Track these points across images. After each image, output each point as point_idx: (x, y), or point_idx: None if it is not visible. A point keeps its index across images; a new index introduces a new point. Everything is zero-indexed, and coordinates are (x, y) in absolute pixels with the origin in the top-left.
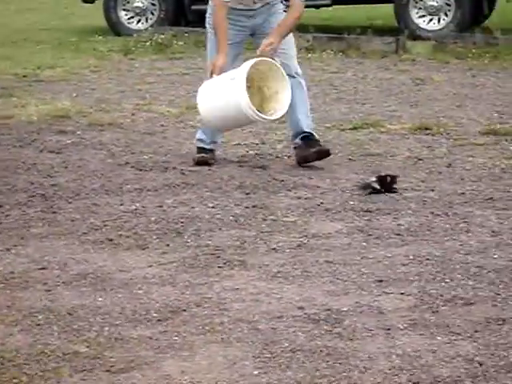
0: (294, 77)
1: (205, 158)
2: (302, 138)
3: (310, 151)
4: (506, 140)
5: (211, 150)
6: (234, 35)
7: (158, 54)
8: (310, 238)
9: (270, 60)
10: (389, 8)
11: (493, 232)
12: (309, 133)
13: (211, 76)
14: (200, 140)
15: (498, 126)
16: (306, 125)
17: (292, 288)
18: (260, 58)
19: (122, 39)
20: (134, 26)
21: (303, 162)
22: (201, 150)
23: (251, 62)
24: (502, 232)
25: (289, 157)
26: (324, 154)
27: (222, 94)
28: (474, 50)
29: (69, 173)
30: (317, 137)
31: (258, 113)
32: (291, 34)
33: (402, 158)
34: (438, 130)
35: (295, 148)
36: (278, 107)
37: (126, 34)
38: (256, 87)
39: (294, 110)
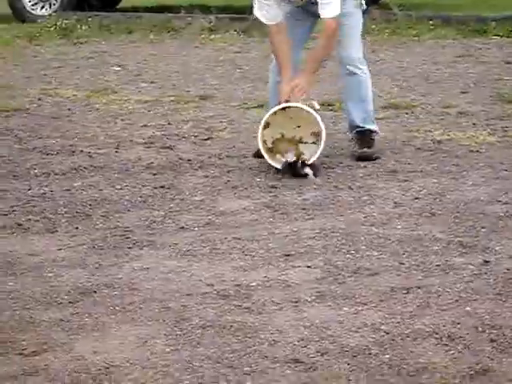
0: (347, 69)
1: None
2: (356, 133)
3: (357, 152)
4: (407, 113)
5: None
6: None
7: (63, 39)
8: (217, 215)
9: (299, 106)
10: None
11: (395, 203)
12: (362, 127)
13: (279, 102)
14: None
15: (398, 99)
16: (360, 119)
17: (201, 265)
18: (287, 105)
19: (26, 26)
20: (38, 12)
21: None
22: None
23: (277, 107)
24: (404, 203)
25: (195, 136)
26: (364, 159)
27: None
28: (373, 26)
29: None
30: (373, 132)
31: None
32: (356, 20)
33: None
34: (340, 105)
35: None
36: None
37: (31, 21)
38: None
39: (347, 102)
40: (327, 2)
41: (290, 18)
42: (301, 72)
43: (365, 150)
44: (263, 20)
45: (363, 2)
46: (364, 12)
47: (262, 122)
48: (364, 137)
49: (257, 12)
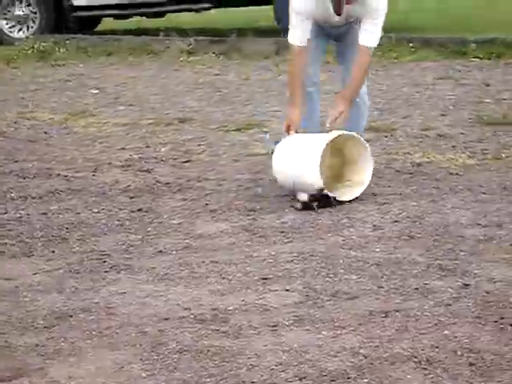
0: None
1: None
2: None
3: None
4: (386, 136)
5: None
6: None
7: (41, 61)
8: (196, 239)
9: (347, 133)
10: (268, 10)
11: (374, 226)
12: None
13: (288, 131)
14: None
15: (379, 122)
16: None
17: (179, 289)
18: (336, 134)
19: (3, 48)
20: (15, 34)
21: None
22: None
23: (326, 139)
24: (383, 226)
25: (174, 159)
26: None
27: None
28: None
29: None
30: None
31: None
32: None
33: None
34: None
35: None
36: (357, 179)
37: (8, 43)
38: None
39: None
40: (372, 31)
41: (313, 39)
42: (340, 98)
43: None
44: (291, 39)
45: None
46: None
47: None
48: None
49: (290, 30)
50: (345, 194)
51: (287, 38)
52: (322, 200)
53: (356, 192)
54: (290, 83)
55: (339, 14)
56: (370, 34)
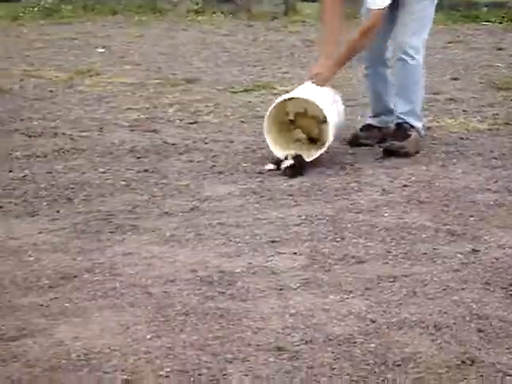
0: (398, 55)
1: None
2: (395, 125)
3: (386, 144)
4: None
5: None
6: None
7: (46, 19)
8: (202, 201)
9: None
10: None
11: (383, 191)
12: (402, 119)
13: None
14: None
15: None
16: (403, 110)
17: (185, 251)
18: (290, 97)
19: (9, 5)
20: None
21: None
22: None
23: (284, 96)
24: (392, 190)
25: (181, 120)
26: (389, 152)
27: None
28: None
29: None
30: (413, 127)
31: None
32: (423, 9)
33: None
34: None
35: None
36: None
37: (14, 1)
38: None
39: (394, 92)
40: None
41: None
42: (327, 60)
43: (393, 142)
44: None
45: None
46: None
47: (287, 95)
48: (400, 130)
49: None
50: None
51: None
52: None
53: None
54: (323, 32)
55: None
56: None
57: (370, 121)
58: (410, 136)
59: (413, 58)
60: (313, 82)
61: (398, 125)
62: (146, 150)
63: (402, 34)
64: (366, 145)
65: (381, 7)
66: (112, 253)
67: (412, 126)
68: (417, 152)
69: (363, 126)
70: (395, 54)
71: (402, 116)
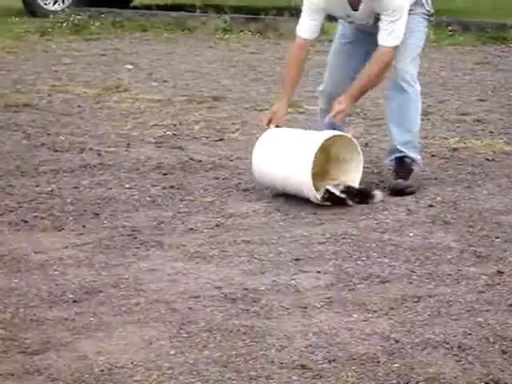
0: (398, 84)
1: None
2: (394, 159)
3: (391, 183)
4: (423, 120)
5: None
6: (351, 34)
7: (75, 35)
8: (227, 217)
9: (343, 135)
10: None
11: (408, 210)
12: (402, 152)
13: (267, 124)
14: None
15: None
16: (402, 142)
17: (209, 268)
18: (330, 136)
19: (38, 20)
20: (50, 6)
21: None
22: None
23: (320, 138)
24: (418, 211)
25: (207, 137)
26: (397, 192)
27: (281, 164)
28: None
29: None
30: (414, 161)
31: (318, 198)
32: (419, 35)
33: None
34: (354, 110)
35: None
36: (346, 180)
37: (43, 15)
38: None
39: (389, 122)
40: (390, 30)
41: (348, 44)
42: (343, 96)
43: (399, 181)
44: (298, 30)
45: (430, 8)
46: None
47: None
48: (402, 165)
49: (300, 20)
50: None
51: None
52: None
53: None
54: (283, 75)
55: (356, 10)
56: (387, 33)
57: None
58: (413, 171)
59: (412, 85)
60: (333, 118)
61: (400, 160)
62: (171, 167)
63: (400, 61)
64: None
65: (395, 45)
66: (137, 268)
67: (413, 160)
68: (419, 186)
69: None
70: (393, 81)
71: (401, 149)
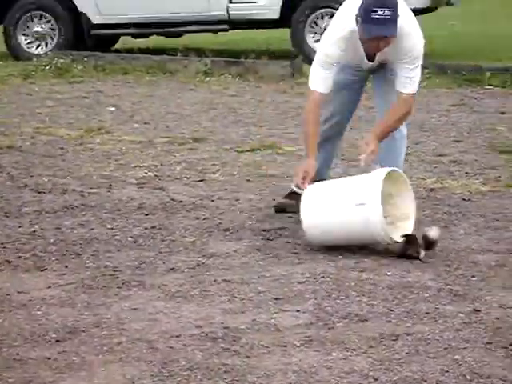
0: None
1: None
2: None
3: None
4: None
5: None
6: (347, 80)
7: (58, 78)
8: (208, 257)
9: (399, 173)
10: (283, 33)
11: (386, 250)
12: None
13: (302, 183)
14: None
15: None
16: None
17: (190, 307)
18: (387, 172)
19: (21, 63)
20: (33, 50)
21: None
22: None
23: (379, 181)
24: (395, 250)
25: (188, 178)
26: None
27: (343, 217)
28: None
29: None
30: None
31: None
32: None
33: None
34: None
35: None
36: (398, 214)
37: (26, 59)
38: None
39: (375, 162)
40: (411, 77)
41: (347, 80)
42: (369, 138)
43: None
44: (314, 85)
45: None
46: None
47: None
48: None
49: (313, 74)
50: (396, 232)
51: (302, 62)
52: None
53: (407, 227)
54: (306, 132)
55: (372, 61)
56: (408, 80)
57: (295, 188)
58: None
59: (401, 130)
60: (367, 160)
61: None
62: (153, 207)
63: (391, 105)
64: (291, 212)
65: (415, 91)
66: (118, 308)
67: None
68: None
69: (288, 194)
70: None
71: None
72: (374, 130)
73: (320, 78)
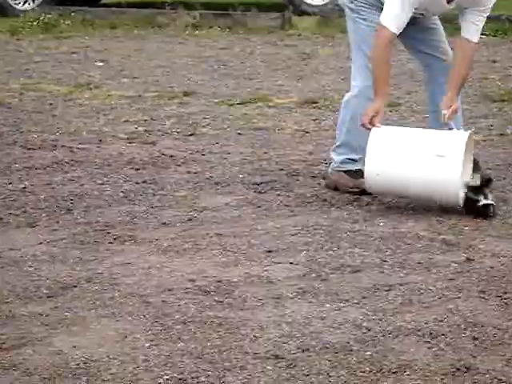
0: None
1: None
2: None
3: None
4: (391, 111)
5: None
6: None
7: (46, 33)
8: (199, 211)
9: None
10: None
11: (378, 201)
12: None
13: (371, 123)
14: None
15: None
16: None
17: (183, 261)
18: (468, 134)
19: (8, 20)
20: (20, 6)
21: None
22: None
23: (463, 139)
24: (387, 200)
25: (178, 132)
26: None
27: (415, 166)
28: None
29: None
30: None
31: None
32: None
33: (289, 131)
34: (324, 103)
35: None
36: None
37: (13, 15)
38: None
39: (429, 87)
40: (480, 26)
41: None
42: (450, 96)
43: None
44: (389, 23)
45: None
46: None
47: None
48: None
49: (389, 10)
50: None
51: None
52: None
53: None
54: (375, 73)
55: (449, 2)
56: (477, 29)
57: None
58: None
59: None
60: (450, 118)
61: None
62: (143, 162)
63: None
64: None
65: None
66: (110, 263)
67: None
68: None
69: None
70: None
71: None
72: (450, 85)
73: (396, 16)
